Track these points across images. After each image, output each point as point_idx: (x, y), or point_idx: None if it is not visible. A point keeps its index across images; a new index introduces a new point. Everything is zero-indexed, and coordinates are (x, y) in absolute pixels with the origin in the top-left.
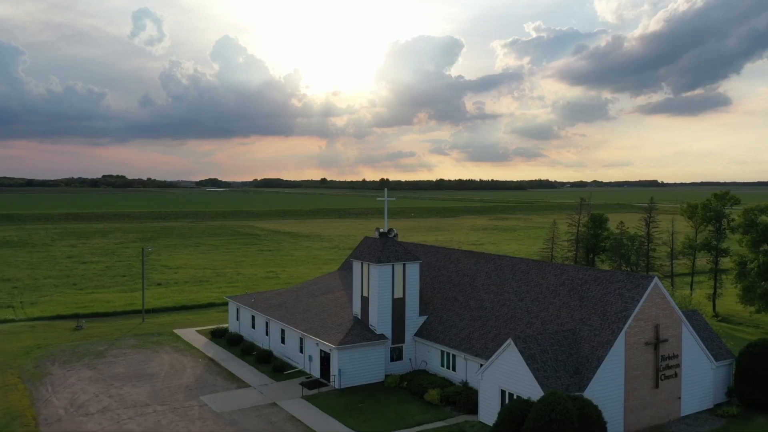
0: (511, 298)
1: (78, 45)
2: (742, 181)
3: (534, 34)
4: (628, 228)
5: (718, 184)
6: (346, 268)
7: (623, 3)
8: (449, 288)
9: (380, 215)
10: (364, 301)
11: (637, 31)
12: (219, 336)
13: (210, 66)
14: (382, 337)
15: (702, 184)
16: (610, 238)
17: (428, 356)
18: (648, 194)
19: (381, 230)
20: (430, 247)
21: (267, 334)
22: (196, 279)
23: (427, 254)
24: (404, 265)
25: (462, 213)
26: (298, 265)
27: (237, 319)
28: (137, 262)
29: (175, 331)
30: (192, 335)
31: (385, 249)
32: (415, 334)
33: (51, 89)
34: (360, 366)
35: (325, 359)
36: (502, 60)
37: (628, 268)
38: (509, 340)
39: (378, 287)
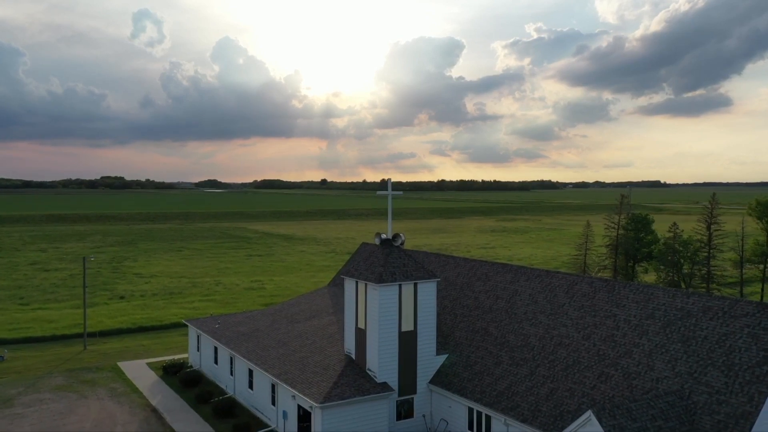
0: (572, 334)
1: (78, 46)
2: (743, 181)
3: (535, 35)
4: (682, 230)
5: (720, 184)
6: (338, 282)
7: (624, 3)
8: (477, 316)
9: (381, 216)
10: (360, 335)
11: (638, 32)
12: (173, 372)
13: (210, 67)
14: (384, 387)
15: (704, 184)
16: (655, 242)
17: (450, 414)
18: (651, 195)
19: (383, 235)
20: (447, 258)
21: (231, 374)
22: (168, 291)
23: (444, 267)
24: (416, 285)
25: (466, 214)
26: (288, 273)
27: (198, 350)
28: (107, 269)
29: (120, 364)
30: (139, 370)
31: (388, 262)
32: (431, 382)
33: (51, 90)
34: (354, 430)
35: (304, 417)
36: (503, 61)
37: (682, 281)
38: (588, 413)
39: (379, 316)
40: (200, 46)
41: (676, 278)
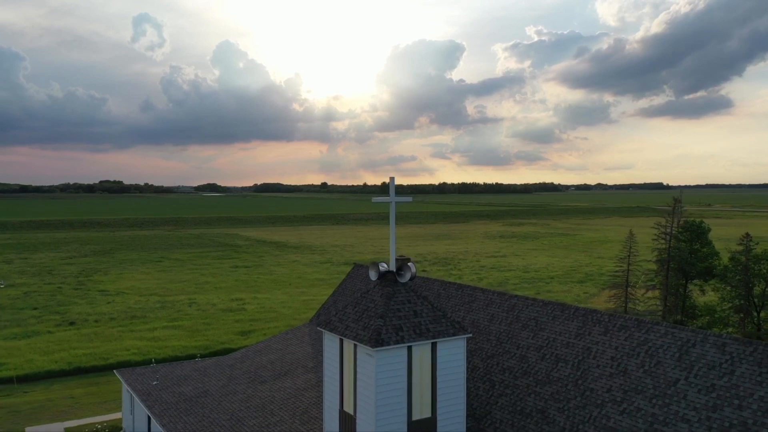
0: None
1: (78, 50)
2: (746, 183)
3: (535, 38)
4: (756, 243)
5: (722, 186)
6: (324, 321)
7: (625, 5)
8: (528, 387)
9: (382, 221)
10: (347, 423)
11: (639, 34)
12: None
13: (210, 71)
14: None
15: (706, 186)
16: (712, 255)
17: None
18: (655, 197)
19: (382, 266)
20: (474, 291)
21: None
22: (129, 314)
23: (469, 305)
24: (434, 345)
25: (471, 218)
26: (275, 289)
27: (131, 413)
28: (71, 284)
29: (29, 430)
30: None
31: (391, 310)
32: None
33: (52, 95)
34: None
35: None
36: (504, 63)
37: (753, 305)
38: None
39: (377, 397)
40: (200, 50)
41: (746, 303)
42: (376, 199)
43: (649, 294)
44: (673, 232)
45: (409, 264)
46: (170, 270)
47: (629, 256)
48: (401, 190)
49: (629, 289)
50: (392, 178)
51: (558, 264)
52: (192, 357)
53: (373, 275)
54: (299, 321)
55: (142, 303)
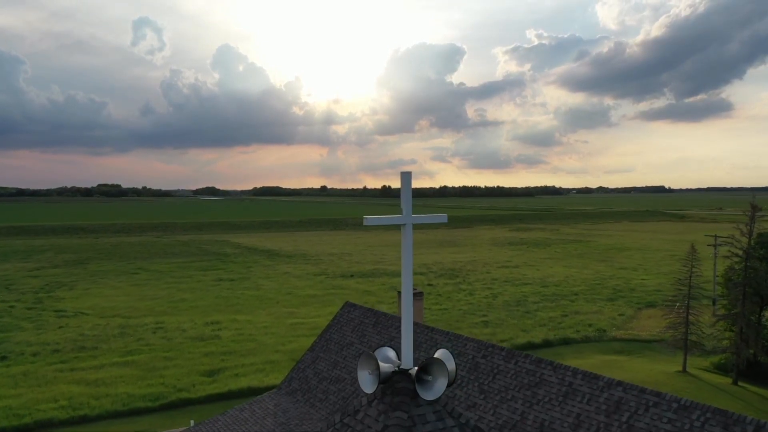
0: None
1: (79, 54)
2: (747, 186)
3: (536, 41)
4: None
5: (725, 189)
6: (297, 388)
7: (625, 9)
8: None
9: (385, 228)
10: None
11: (639, 37)
12: None
13: (210, 75)
14: None
15: (708, 189)
16: None
17: None
18: (659, 200)
19: (387, 363)
20: (538, 366)
21: None
22: (78, 345)
23: (532, 393)
24: None
25: (475, 222)
26: (259, 308)
27: None
28: (27, 301)
29: None
30: None
31: None
32: None
33: (52, 98)
34: None
35: None
36: (504, 66)
37: None
38: None
39: None
40: (200, 54)
41: None
42: (369, 220)
43: (718, 325)
44: (744, 245)
45: (442, 358)
46: (145, 284)
47: (690, 277)
48: (396, 193)
49: (690, 317)
50: (407, 174)
51: (578, 276)
52: (135, 412)
53: (368, 384)
54: (280, 355)
55: (99, 328)
